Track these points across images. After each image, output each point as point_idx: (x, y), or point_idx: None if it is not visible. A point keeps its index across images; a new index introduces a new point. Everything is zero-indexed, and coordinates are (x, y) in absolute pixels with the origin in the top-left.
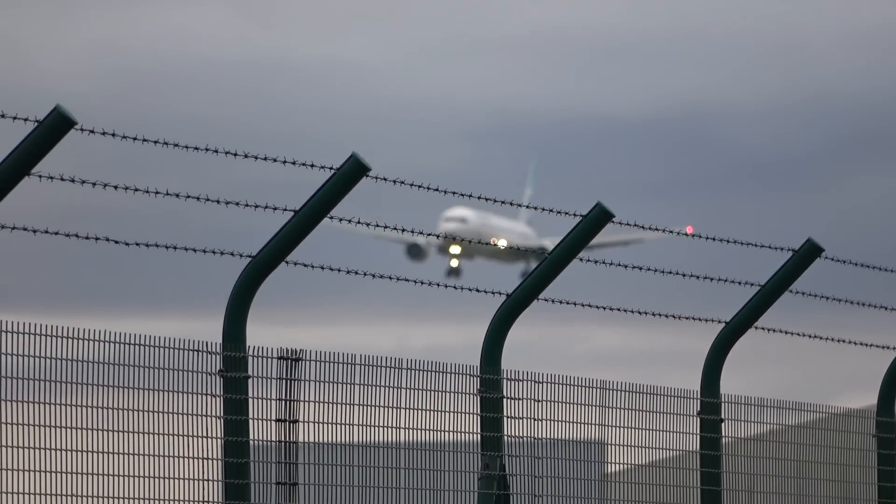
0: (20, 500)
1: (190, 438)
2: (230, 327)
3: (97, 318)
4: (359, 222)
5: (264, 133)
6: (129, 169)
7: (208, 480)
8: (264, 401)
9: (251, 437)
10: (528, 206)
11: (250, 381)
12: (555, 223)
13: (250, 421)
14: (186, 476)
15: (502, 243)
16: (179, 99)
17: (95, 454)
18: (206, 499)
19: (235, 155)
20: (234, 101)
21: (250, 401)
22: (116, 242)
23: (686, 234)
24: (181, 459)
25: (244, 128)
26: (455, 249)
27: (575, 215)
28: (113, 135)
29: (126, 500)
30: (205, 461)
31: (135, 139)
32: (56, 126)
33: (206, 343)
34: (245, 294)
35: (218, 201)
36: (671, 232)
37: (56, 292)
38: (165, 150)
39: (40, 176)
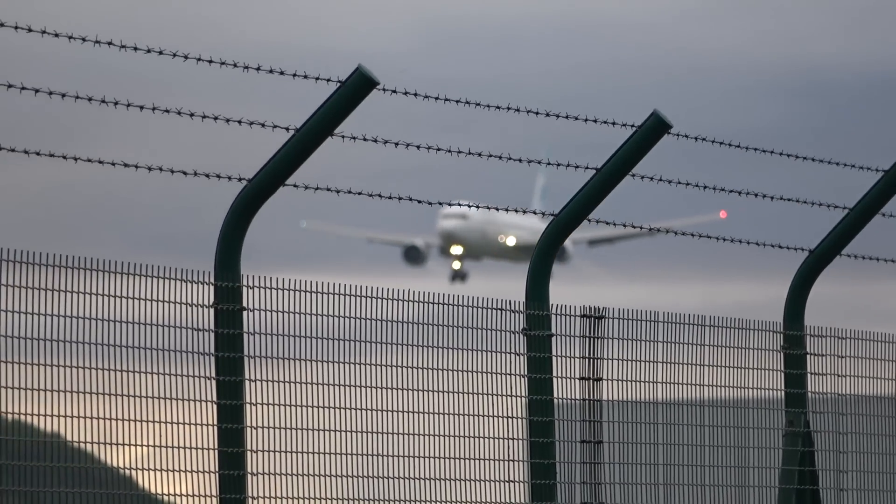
0: (335, 459)
1: (494, 397)
2: (533, 286)
3: (399, 278)
4: (660, 180)
5: (556, 91)
6: (430, 129)
7: (513, 439)
8: (568, 359)
9: (555, 395)
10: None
11: (554, 339)
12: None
13: (554, 379)
14: (491, 435)
15: (511, 241)
16: (479, 59)
17: (400, 413)
18: (511, 457)
19: (537, 114)
20: (528, 60)
21: (554, 359)
22: (419, 202)
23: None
24: (486, 418)
25: (533, 86)
26: (456, 250)
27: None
28: (415, 94)
29: (431, 460)
30: (509, 420)
31: (436, 98)
32: (358, 86)
33: (510, 302)
34: (548, 254)
35: (520, 160)
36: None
37: (363, 252)
38: (466, 109)
39: (343, 136)
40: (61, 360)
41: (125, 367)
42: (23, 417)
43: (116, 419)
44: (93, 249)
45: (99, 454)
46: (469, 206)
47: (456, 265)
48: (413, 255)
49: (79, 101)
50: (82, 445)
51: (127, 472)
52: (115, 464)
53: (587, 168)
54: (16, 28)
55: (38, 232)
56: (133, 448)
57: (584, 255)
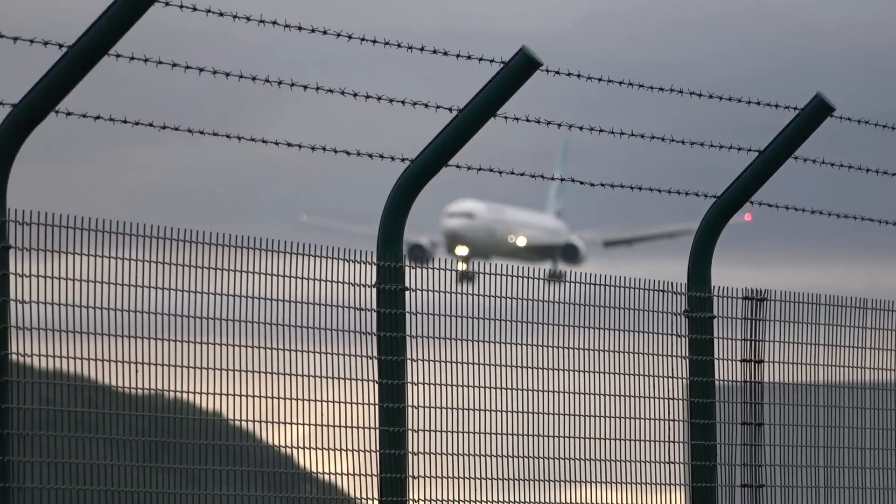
0: (494, 439)
1: (656, 378)
2: (695, 268)
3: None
4: (822, 163)
5: (721, 74)
6: (595, 110)
7: (674, 421)
8: (729, 341)
9: (716, 377)
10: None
11: (715, 321)
12: (592, 212)
13: (715, 361)
14: (652, 416)
15: (521, 241)
16: (641, 42)
17: (561, 394)
18: (671, 438)
19: (700, 95)
20: (691, 45)
21: (716, 341)
22: (582, 183)
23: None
24: (647, 399)
25: (692, 70)
26: (462, 251)
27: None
28: (578, 76)
29: (592, 441)
30: (671, 401)
31: (599, 80)
32: (522, 67)
33: (672, 284)
34: (711, 235)
35: (682, 142)
36: None
37: None
38: (630, 91)
39: (506, 117)
40: (235, 340)
41: (291, 346)
42: (186, 396)
43: (278, 398)
44: (259, 229)
45: (260, 433)
46: (474, 205)
47: (461, 266)
48: (418, 255)
49: (243, 81)
50: (243, 424)
51: (287, 450)
52: (275, 442)
53: (749, 150)
54: (181, 7)
55: (205, 212)
56: (294, 427)
57: (599, 254)
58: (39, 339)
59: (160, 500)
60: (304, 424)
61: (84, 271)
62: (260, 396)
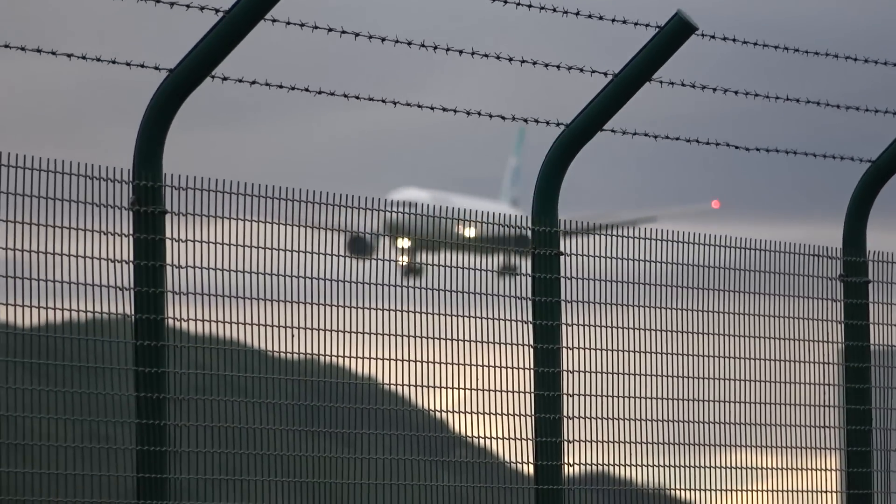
0: (649, 403)
1: (808, 343)
2: (851, 232)
3: (714, 224)
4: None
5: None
6: (749, 75)
7: (828, 385)
8: (885, 305)
9: (871, 341)
10: None
11: (870, 285)
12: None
13: (870, 325)
14: (805, 380)
15: (470, 232)
16: (800, 7)
17: (714, 358)
18: (824, 403)
19: (855, 59)
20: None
21: (870, 305)
22: (737, 148)
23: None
24: (800, 364)
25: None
26: (404, 243)
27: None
28: (734, 40)
29: (745, 405)
30: (823, 365)
31: (754, 44)
32: (677, 32)
33: (827, 248)
34: (867, 196)
35: (837, 106)
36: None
37: (661, 195)
38: (785, 55)
39: (661, 81)
40: (378, 304)
41: (445, 310)
42: (339, 360)
43: (431, 362)
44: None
45: (413, 397)
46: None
47: (404, 260)
48: (359, 248)
49: (399, 46)
50: (396, 388)
51: (441, 414)
52: (429, 406)
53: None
54: None
55: (356, 175)
56: (449, 391)
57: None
58: (195, 303)
59: (315, 464)
60: (459, 389)
61: (240, 236)
62: (413, 361)
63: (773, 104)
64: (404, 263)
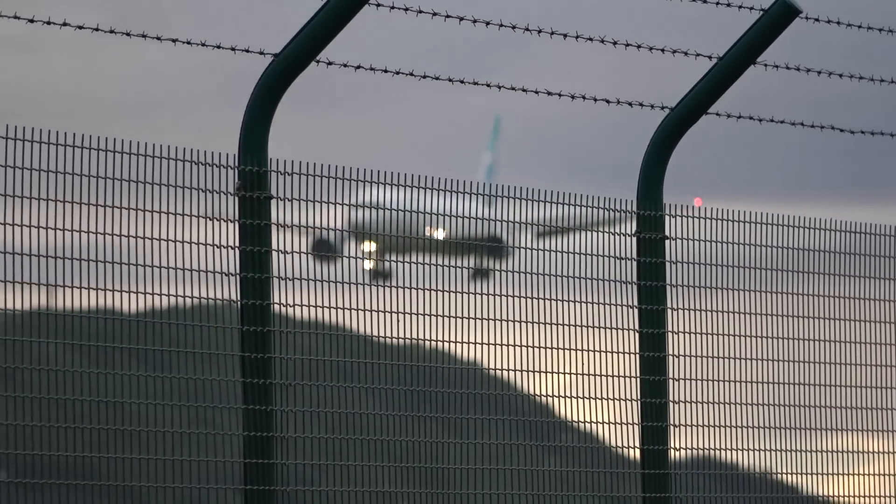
0: (755, 388)
1: None
2: None
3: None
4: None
5: None
6: (853, 58)
7: None
8: None
9: None
10: None
11: None
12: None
13: None
14: None
15: (439, 234)
16: None
17: (817, 342)
18: None
19: None
20: None
21: None
22: (842, 131)
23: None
24: None
25: None
26: (369, 246)
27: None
28: (837, 23)
29: (847, 389)
30: None
31: (859, 27)
32: (780, 15)
33: None
34: None
35: None
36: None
37: (781, 181)
38: (890, 38)
39: (765, 65)
40: (483, 288)
41: (548, 294)
42: (444, 345)
43: (535, 346)
44: (518, 177)
45: (518, 381)
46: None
47: (368, 265)
48: (324, 249)
49: (503, 30)
50: (500, 372)
51: (545, 399)
52: (534, 391)
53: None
54: None
55: (458, 159)
56: (552, 375)
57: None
58: (301, 289)
59: (421, 449)
60: (562, 373)
61: (343, 220)
62: (517, 346)
63: (875, 87)
64: (370, 268)
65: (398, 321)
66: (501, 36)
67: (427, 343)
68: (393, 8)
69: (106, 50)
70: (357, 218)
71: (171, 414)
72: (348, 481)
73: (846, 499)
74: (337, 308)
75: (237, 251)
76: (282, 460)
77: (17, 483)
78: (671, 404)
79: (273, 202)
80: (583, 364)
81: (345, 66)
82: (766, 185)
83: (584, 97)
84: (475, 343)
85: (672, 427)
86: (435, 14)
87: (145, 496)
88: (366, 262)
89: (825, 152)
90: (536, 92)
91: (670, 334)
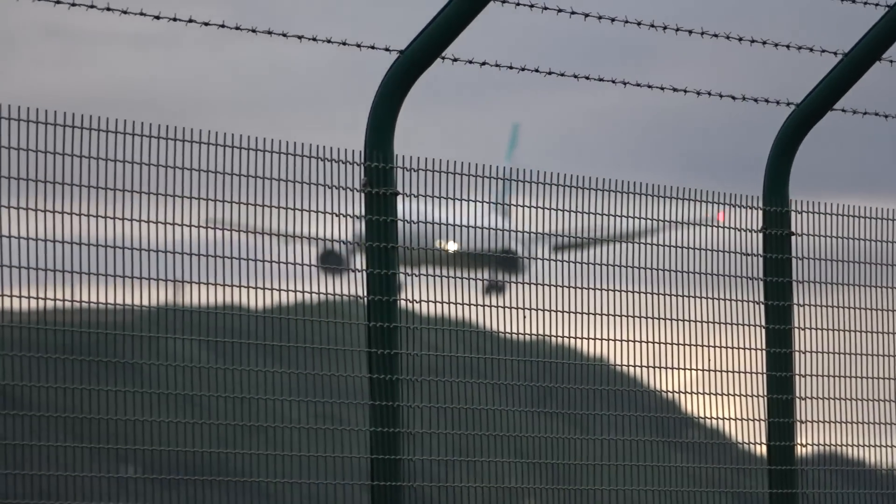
0: (883, 384)
1: None
2: None
3: None
4: None
5: None
6: None
7: None
8: None
9: None
10: None
11: None
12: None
13: None
14: None
15: (451, 246)
16: None
17: None
18: None
19: None
20: None
21: None
22: None
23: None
24: None
25: None
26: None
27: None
28: None
29: None
30: None
31: None
32: None
33: None
34: None
35: None
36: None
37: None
38: None
39: (891, 61)
40: (609, 285)
41: (673, 290)
42: (568, 341)
43: (661, 343)
44: (644, 174)
45: (643, 377)
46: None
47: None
48: (332, 261)
49: (628, 26)
50: (626, 369)
51: (671, 395)
52: (659, 387)
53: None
54: None
55: (584, 159)
56: (678, 371)
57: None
58: (428, 285)
59: (547, 444)
60: (687, 369)
61: (469, 217)
62: (645, 342)
63: None
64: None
65: (525, 317)
66: (625, 32)
67: (554, 339)
68: (518, 5)
69: (230, 47)
70: (362, 229)
71: (297, 410)
72: (474, 477)
73: None
74: (464, 304)
75: (364, 247)
76: (408, 456)
77: (144, 479)
78: (798, 400)
79: (399, 198)
80: (710, 360)
81: (470, 62)
82: (893, 180)
83: (709, 93)
84: (603, 339)
85: (798, 423)
86: (560, 10)
87: (272, 492)
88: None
89: None
90: (662, 88)
91: (796, 330)
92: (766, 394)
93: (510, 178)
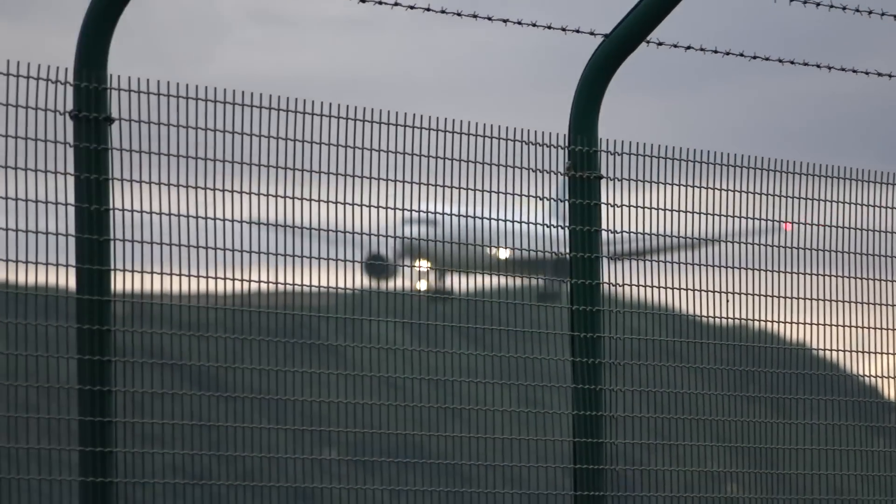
0: None
1: None
2: None
3: None
4: None
5: None
6: None
7: None
8: None
9: None
10: None
11: None
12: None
13: None
14: None
15: (503, 253)
16: None
17: None
18: None
19: None
20: None
21: None
22: None
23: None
24: None
25: None
26: (422, 264)
27: None
28: None
29: None
30: None
31: None
32: None
33: None
34: None
35: None
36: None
37: None
38: None
39: None
40: (817, 269)
41: (877, 275)
42: (770, 326)
43: (862, 327)
44: (849, 159)
45: (845, 362)
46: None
47: (422, 285)
48: (377, 267)
49: (833, 10)
50: (828, 354)
51: (873, 380)
52: (861, 372)
53: None
54: None
55: (789, 143)
56: (880, 356)
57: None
58: (631, 269)
59: (748, 429)
60: (891, 354)
61: (672, 201)
62: (844, 326)
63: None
64: (423, 290)
65: (727, 301)
66: (830, 18)
67: (756, 323)
68: None
69: (434, 29)
70: (407, 234)
71: (499, 393)
72: (676, 460)
73: None
74: (665, 287)
75: (566, 231)
76: (610, 439)
77: (345, 461)
78: None
79: (603, 182)
80: None
81: (675, 46)
82: None
83: None
84: (805, 323)
85: None
86: None
87: (473, 475)
88: (419, 283)
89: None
90: (867, 73)
91: None
92: None
93: (715, 163)
